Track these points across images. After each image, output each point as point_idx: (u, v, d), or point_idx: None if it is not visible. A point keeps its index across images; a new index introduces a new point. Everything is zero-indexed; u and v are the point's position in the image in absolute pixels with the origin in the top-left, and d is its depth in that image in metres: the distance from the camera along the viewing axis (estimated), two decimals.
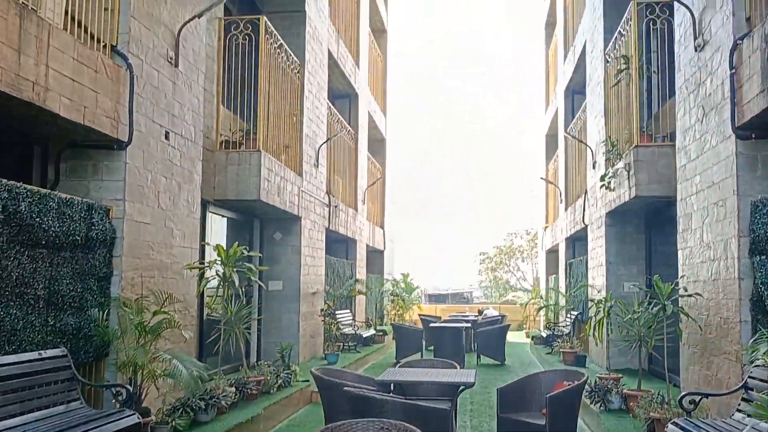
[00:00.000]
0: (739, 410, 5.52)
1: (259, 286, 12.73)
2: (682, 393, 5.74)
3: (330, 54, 15.28)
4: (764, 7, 6.26)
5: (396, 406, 5.54)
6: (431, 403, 6.54)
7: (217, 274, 8.61)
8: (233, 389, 8.07)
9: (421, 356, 15.64)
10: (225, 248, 8.69)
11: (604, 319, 9.55)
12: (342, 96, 18.31)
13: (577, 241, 17.69)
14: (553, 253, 21.98)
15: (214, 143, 10.51)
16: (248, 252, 9.06)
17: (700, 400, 5.75)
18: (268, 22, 11.20)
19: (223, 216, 11.32)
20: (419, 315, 22.04)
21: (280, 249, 12.97)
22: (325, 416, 6.88)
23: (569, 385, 6.95)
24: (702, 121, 7.45)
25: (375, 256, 22.09)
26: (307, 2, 13.45)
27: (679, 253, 8.19)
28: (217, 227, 11.89)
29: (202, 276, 8.58)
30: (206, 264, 8.62)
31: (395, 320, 22.21)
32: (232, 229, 12.34)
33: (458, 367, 7.82)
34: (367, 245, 19.86)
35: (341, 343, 15.08)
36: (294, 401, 9.68)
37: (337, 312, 15.96)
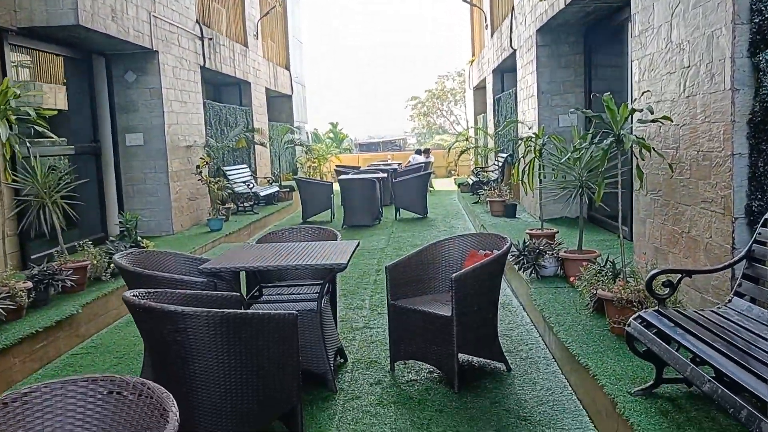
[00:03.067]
0: (738, 293, 3.54)
1: (114, 139, 10.23)
2: (651, 272, 3.67)
3: None
4: None
5: (200, 321, 3.38)
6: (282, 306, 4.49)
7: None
8: (27, 285, 5.79)
9: (331, 214, 13.62)
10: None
11: (535, 160, 7.51)
12: None
13: (506, 73, 15.45)
14: (480, 89, 19.72)
15: None
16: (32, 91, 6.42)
17: (679, 281, 3.71)
18: None
19: (35, 50, 8.48)
20: (336, 167, 19.81)
21: (136, 93, 10.27)
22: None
23: (485, 255, 4.94)
24: None
25: (280, 102, 19.39)
26: None
27: (634, 65, 5.98)
28: (54, 69, 9.15)
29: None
30: None
31: (310, 174, 20.00)
32: (71, 69, 9.57)
33: (338, 237, 5.70)
34: (267, 89, 17.09)
35: (235, 205, 12.83)
36: None
37: (228, 168, 13.57)
